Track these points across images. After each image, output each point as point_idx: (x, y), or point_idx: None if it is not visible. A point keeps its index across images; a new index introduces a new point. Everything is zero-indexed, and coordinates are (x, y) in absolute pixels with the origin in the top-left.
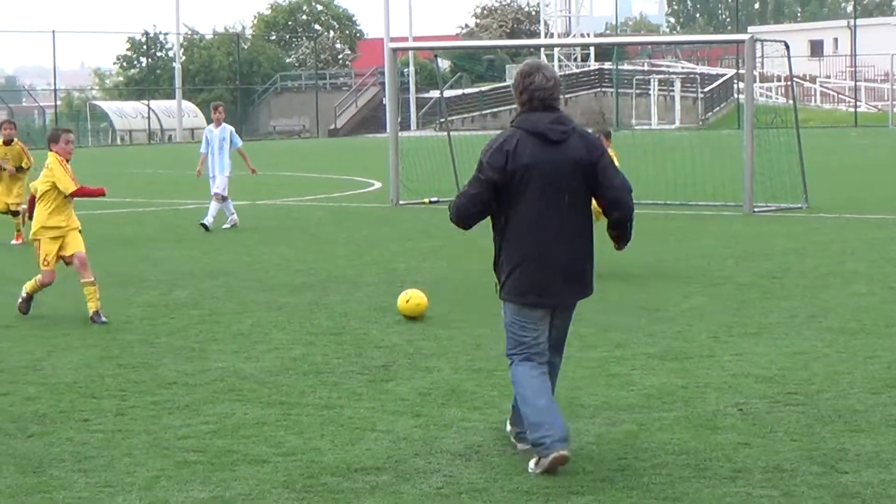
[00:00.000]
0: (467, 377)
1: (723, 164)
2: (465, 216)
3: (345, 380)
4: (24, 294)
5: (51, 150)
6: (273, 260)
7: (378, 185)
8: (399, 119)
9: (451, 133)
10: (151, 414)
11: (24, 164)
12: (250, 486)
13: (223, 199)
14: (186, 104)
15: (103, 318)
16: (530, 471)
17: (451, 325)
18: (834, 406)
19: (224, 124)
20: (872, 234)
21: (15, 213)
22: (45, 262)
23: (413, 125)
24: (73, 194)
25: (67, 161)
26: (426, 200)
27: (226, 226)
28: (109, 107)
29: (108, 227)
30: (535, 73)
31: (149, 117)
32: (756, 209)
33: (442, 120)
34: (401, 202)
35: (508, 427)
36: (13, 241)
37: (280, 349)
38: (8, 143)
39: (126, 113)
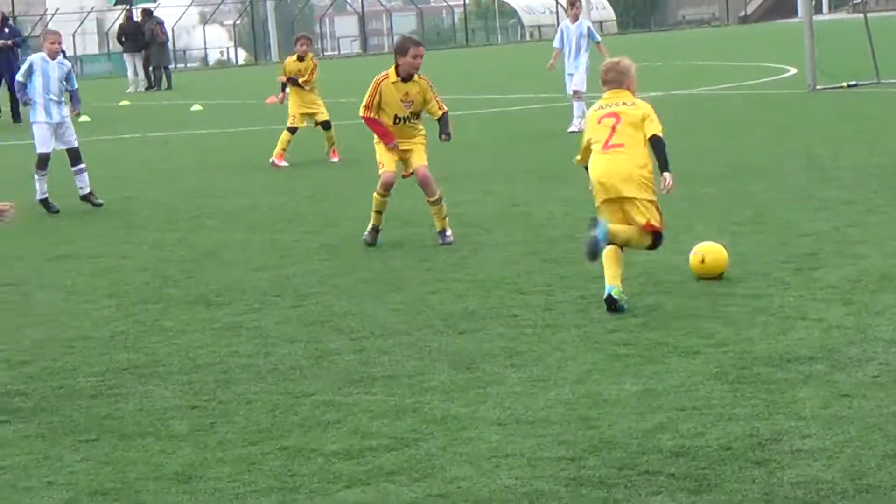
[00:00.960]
0: (891, 265)
1: None
2: None
3: (772, 269)
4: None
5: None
6: (691, 149)
7: (793, 70)
8: (812, 2)
9: (868, 14)
10: (580, 308)
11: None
12: (682, 377)
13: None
14: None
15: (448, 238)
16: None
17: (878, 211)
18: None
19: (582, 19)
20: None
21: (326, 126)
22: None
23: (825, 7)
24: (366, 120)
25: (407, 77)
26: (844, 84)
27: (572, 129)
28: (518, 3)
29: (520, 122)
30: None
31: (556, 12)
32: None
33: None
34: (817, 87)
35: None
36: (332, 159)
37: (701, 239)
38: (301, 59)
39: (534, 9)
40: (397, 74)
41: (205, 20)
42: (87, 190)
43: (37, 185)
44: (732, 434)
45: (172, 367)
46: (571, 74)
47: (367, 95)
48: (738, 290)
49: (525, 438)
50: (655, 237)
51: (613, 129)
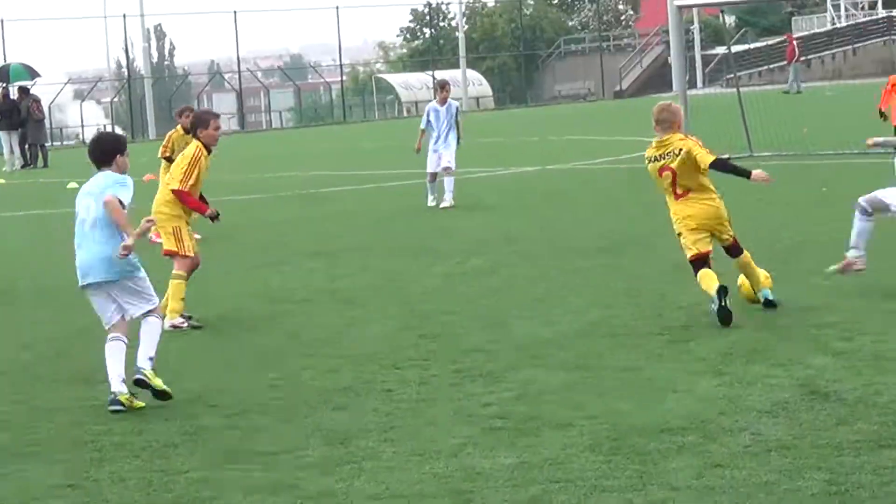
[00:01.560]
0: (769, 335)
1: None
2: None
3: (645, 341)
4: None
5: (196, 137)
6: (565, 224)
7: None
8: (686, 77)
9: (741, 89)
10: (454, 382)
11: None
12: (556, 450)
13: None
14: (471, 73)
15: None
16: None
17: None
18: None
19: (450, 100)
20: None
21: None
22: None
23: (699, 83)
24: (175, 192)
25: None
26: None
27: (444, 205)
28: (394, 79)
29: (400, 198)
30: None
31: (434, 88)
32: None
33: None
34: None
35: None
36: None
37: (577, 313)
38: (187, 131)
39: (411, 85)
40: (205, 148)
41: (81, 97)
42: None
43: None
44: None
45: (48, 445)
46: (437, 152)
47: (187, 168)
48: (611, 361)
49: None
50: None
51: (674, 182)
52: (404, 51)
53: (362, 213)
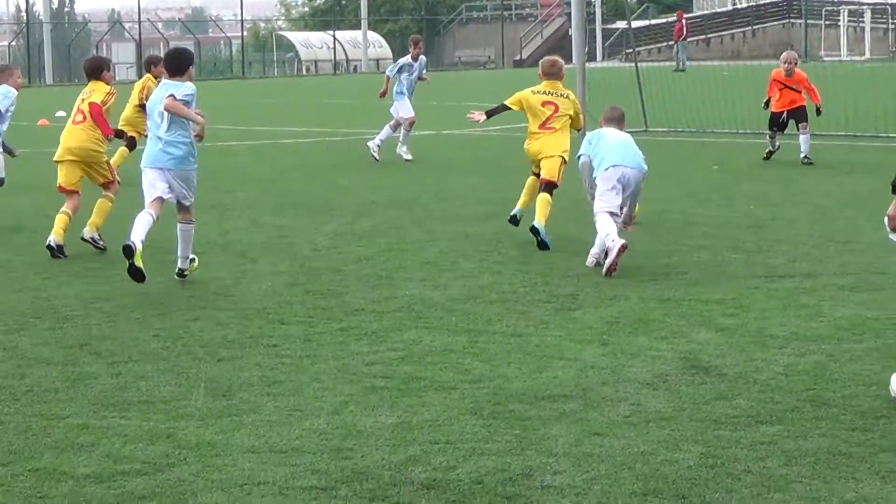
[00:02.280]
0: (655, 306)
1: None
2: None
3: (532, 308)
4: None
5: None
6: (459, 189)
7: None
8: (586, 49)
9: (639, 64)
10: (339, 340)
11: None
12: (437, 411)
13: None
14: (372, 35)
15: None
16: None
17: (638, 256)
18: None
19: (421, 56)
20: None
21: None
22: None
23: (599, 56)
24: (92, 105)
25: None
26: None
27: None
28: (295, 37)
29: (293, 155)
30: None
31: (334, 48)
32: None
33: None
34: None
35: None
36: None
37: (467, 277)
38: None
39: (312, 43)
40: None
41: None
42: None
43: None
44: (484, 468)
45: None
46: (411, 100)
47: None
48: (497, 327)
49: (278, 467)
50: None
51: (551, 117)
52: (306, 9)
53: (257, 168)
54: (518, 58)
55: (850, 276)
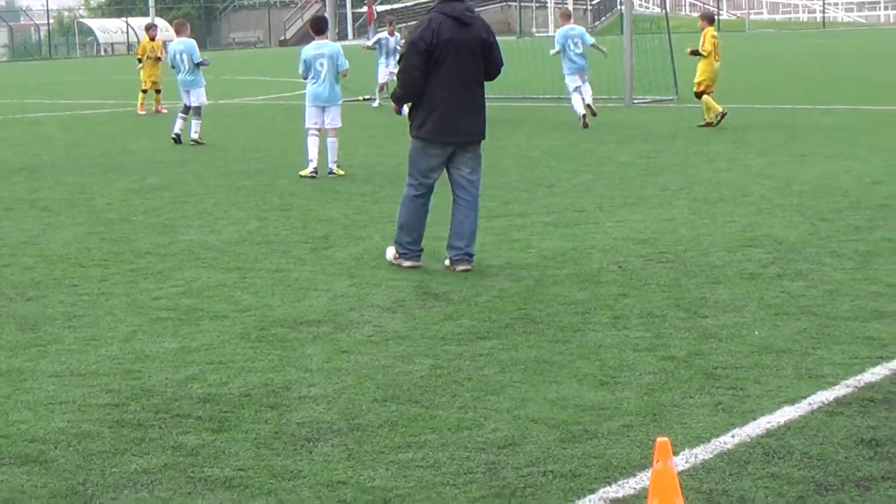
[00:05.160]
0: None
1: (607, 64)
2: (411, 82)
3: (292, 248)
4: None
5: None
6: (233, 150)
7: None
8: (337, 30)
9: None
10: (130, 280)
11: (160, 55)
12: (212, 337)
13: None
14: (159, 20)
15: None
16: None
17: (381, 202)
18: (697, 262)
19: (396, 32)
20: (731, 120)
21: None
22: None
23: (349, 35)
24: None
25: None
26: (360, 98)
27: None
28: (94, 24)
29: (91, 124)
30: None
31: (127, 32)
32: (635, 101)
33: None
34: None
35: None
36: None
37: (238, 223)
38: (152, 39)
39: (108, 29)
40: None
41: None
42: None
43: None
44: (251, 383)
45: None
46: (388, 67)
47: None
48: (263, 265)
49: (77, 388)
50: None
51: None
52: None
53: (61, 135)
54: (283, 38)
55: (553, 215)
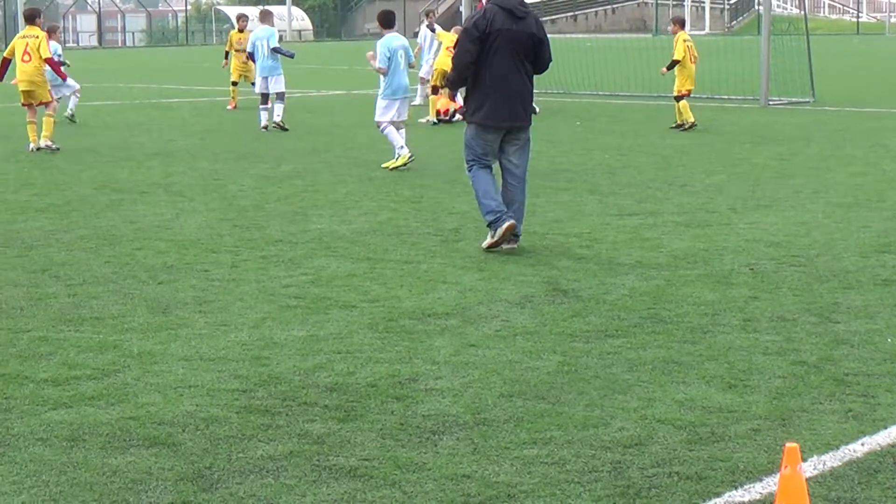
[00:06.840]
0: (524, 239)
1: (744, 65)
2: (463, 65)
3: (422, 240)
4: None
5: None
6: (363, 140)
7: None
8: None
9: None
10: (260, 266)
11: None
12: (340, 326)
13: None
14: (295, 10)
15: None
16: (483, 246)
17: None
18: (830, 267)
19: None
20: (869, 124)
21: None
22: None
23: None
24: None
25: None
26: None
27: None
28: (230, 11)
29: (225, 110)
30: None
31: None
32: (770, 102)
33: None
34: None
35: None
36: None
37: (368, 214)
38: (241, 30)
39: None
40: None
41: None
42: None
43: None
44: (378, 374)
45: None
46: (428, 62)
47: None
48: (394, 255)
49: (206, 373)
50: None
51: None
52: None
53: (196, 121)
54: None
55: (685, 215)
